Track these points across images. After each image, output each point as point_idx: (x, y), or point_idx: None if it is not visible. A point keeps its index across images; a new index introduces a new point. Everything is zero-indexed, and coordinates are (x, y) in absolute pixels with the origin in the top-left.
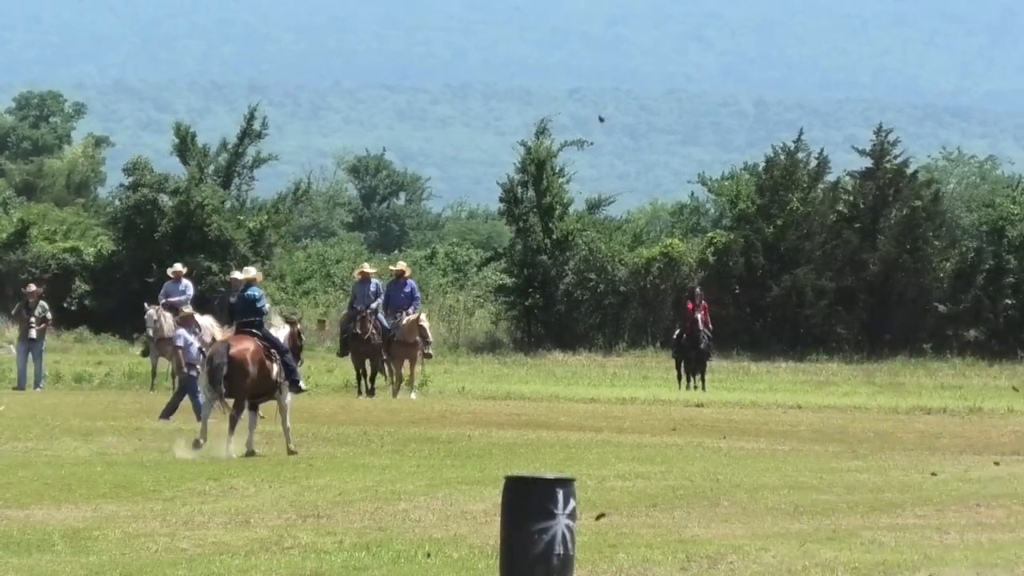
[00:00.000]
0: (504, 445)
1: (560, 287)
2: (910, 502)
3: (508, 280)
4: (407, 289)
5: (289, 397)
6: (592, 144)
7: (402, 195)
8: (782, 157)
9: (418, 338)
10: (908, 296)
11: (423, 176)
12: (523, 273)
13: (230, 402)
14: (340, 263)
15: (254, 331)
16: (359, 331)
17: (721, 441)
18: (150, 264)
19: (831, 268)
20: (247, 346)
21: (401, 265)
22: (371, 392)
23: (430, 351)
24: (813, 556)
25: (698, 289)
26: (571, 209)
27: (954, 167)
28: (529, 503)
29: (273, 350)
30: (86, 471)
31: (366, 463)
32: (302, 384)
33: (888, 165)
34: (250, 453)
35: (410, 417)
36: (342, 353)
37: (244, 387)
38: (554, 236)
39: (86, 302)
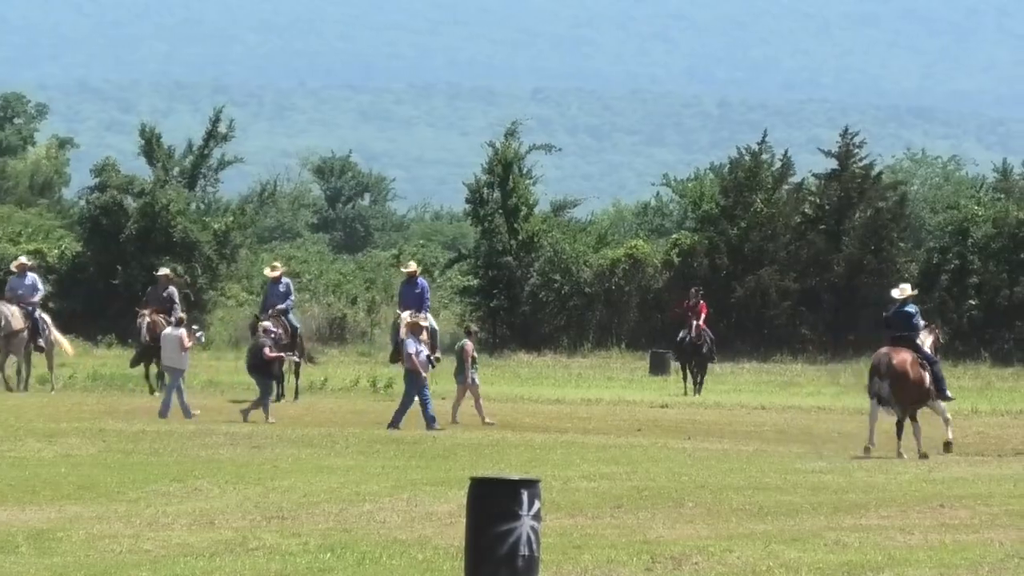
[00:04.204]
0: (469, 446)
1: (525, 288)
2: (874, 503)
3: (473, 281)
4: (418, 290)
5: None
6: (560, 149)
7: (367, 196)
8: (746, 158)
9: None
10: (872, 297)
11: (388, 177)
12: (488, 274)
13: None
14: (306, 263)
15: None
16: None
17: (686, 442)
18: (115, 266)
19: (795, 269)
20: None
21: (412, 266)
22: (278, 396)
23: (438, 355)
24: (777, 557)
25: (694, 289)
26: (536, 210)
27: (918, 168)
28: (494, 504)
29: None
30: (50, 472)
31: (331, 464)
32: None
33: (853, 167)
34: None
35: (376, 419)
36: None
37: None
38: (519, 237)
39: (50, 303)
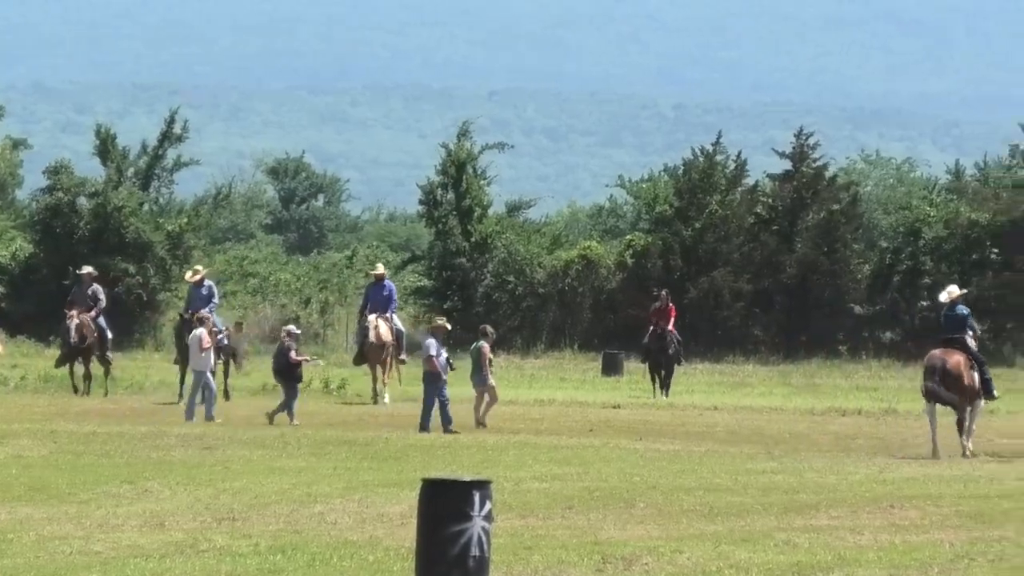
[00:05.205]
0: (421, 447)
1: (479, 289)
2: (824, 503)
3: (427, 282)
4: (385, 292)
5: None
6: (513, 147)
7: (321, 197)
8: (700, 160)
9: (391, 341)
10: (825, 298)
11: (342, 178)
12: (442, 275)
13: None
14: (258, 264)
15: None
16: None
17: (637, 443)
18: (67, 267)
19: (749, 270)
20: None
21: (380, 268)
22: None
23: (404, 356)
24: (728, 557)
25: (664, 292)
26: (490, 211)
27: (872, 169)
28: (445, 505)
29: None
30: (1, 474)
31: (282, 466)
32: None
33: (807, 168)
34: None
35: (327, 420)
36: (178, 360)
37: None
38: (473, 239)
39: (2, 304)
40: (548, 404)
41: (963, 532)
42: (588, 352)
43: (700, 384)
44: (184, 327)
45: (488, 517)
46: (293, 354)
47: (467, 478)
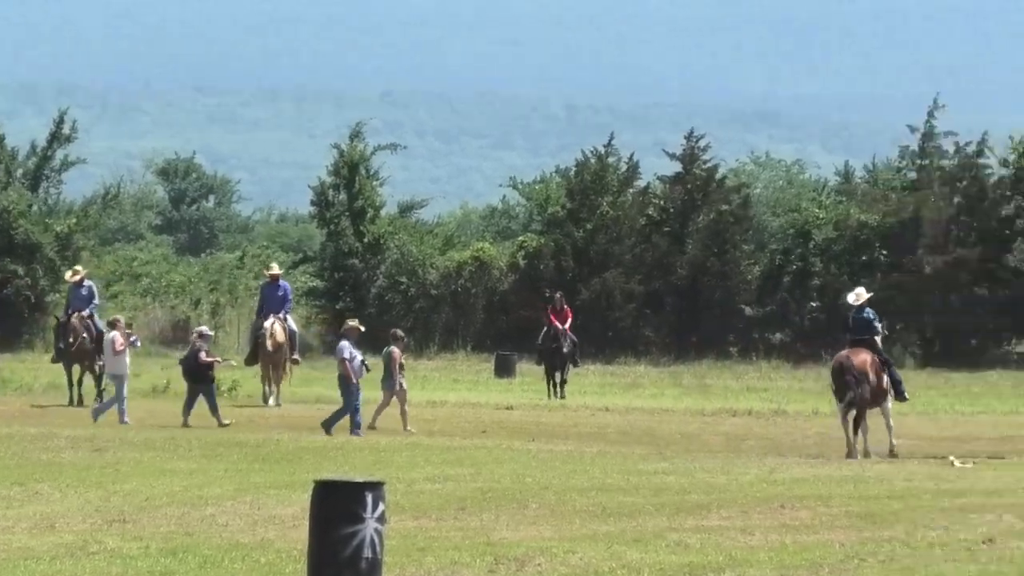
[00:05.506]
0: (314, 449)
1: (371, 290)
2: (716, 504)
3: (319, 283)
4: (280, 292)
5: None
6: (406, 148)
7: (211, 198)
8: (592, 161)
9: (286, 343)
10: (716, 299)
11: (233, 179)
12: (334, 276)
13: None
14: (148, 265)
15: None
16: (71, 339)
17: (530, 443)
18: None
19: (640, 272)
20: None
21: (275, 268)
22: (79, 401)
23: (296, 356)
24: (620, 558)
25: (559, 294)
26: (383, 212)
27: (761, 171)
28: (338, 507)
29: None
30: None
31: (173, 468)
32: None
33: (697, 170)
34: None
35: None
36: (55, 360)
37: None
38: (366, 239)
39: None
40: (441, 405)
41: (853, 532)
42: (481, 353)
43: (592, 385)
44: (60, 329)
45: (381, 519)
46: (203, 355)
47: (359, 479)
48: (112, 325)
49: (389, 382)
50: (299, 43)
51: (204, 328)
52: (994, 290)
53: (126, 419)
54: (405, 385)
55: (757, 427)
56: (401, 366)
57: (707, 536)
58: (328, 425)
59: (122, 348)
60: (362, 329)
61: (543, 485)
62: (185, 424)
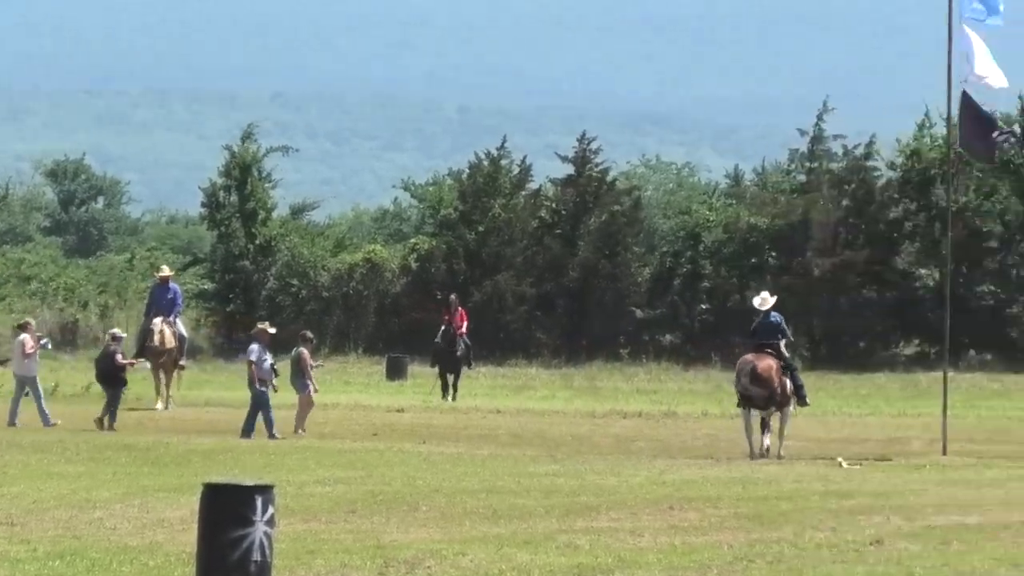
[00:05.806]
0: (203, 452)
1: (262, 292)
2: (605, 505)
3: (209, 285)
4: (170, 295)
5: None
6: (298, 151)
7: (101, 199)
8: (485, 164)
9: (175, 347)
10: (607, 301)
11: (123, 180)
12: (225, 278)
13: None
14: (37, 267)
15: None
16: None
17: (421, 446)
18: None
19: (532, 274)
20: None
21: (165, 270)
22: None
23: (183, 362)
24: (510, 560)
25: (453, 296)
26: (274, 214)
27: (652, 174)
28: (227, 510)
29: None
30: None
31: (61, 471)
32: None
33: (589, 173)
34: None
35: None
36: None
37: None
38: (257, 241)
39: None
40: (332, 408)
41: (742, 534)
42: (372, 356)
43: (483, 387)
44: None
45: (270, 522)
46: (119, 358)
47: (249, 483)
48: (23, 328)
49: (300, 383)
50: (189, 44)
51: (116, 330)
52: (882, 292)
53: (51, 420)
54: (315, 387)
55: (647, 429)
56: (311, 366)
57: (597, 537)
58: (246, 431)
59: (32, 350)
60: (272, 331)
61: (434, 487)
62: (106, 428)
